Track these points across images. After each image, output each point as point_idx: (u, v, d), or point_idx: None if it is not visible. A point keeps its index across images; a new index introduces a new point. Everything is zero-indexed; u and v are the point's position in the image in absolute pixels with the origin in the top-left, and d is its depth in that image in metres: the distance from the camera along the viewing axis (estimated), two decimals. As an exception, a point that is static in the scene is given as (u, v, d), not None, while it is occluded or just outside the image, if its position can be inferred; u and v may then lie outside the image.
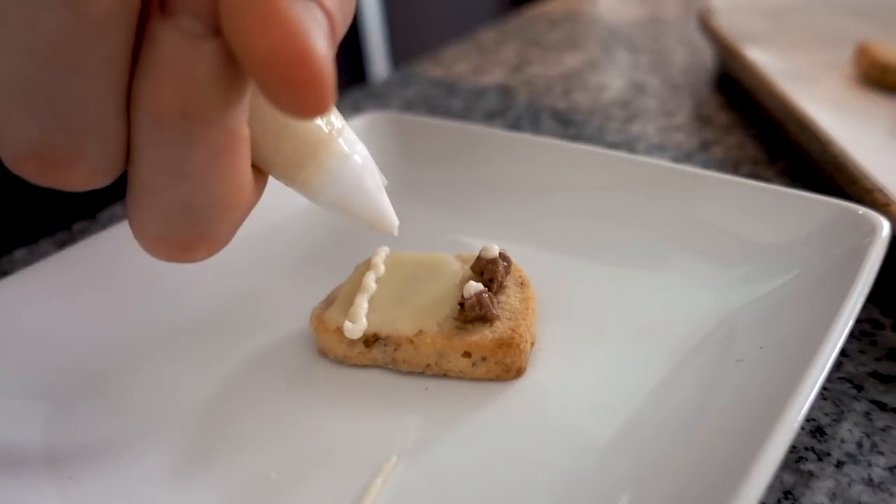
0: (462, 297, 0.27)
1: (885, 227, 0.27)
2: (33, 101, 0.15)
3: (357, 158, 0.21)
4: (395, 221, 0.23)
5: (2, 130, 0.16)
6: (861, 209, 0.28)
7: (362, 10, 1.82)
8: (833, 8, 0.58)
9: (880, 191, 0.30)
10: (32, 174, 0.16)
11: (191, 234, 0.18)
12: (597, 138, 0.48)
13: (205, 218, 0.18)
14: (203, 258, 0.19)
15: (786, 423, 0.19)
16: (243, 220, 0.19)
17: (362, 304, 0.27)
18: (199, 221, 0.18)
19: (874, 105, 0.47)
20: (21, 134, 0.16)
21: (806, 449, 0.24)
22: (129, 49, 0.15)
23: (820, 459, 0.24)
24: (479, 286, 0.27)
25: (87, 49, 0.15)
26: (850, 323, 0.23)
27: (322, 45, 0.14)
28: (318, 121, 0.20)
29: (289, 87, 0.14)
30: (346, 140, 0.21)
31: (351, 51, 1.84)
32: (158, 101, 0.16)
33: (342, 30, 0.16)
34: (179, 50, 0.15)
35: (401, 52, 1.93)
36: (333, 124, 0.21)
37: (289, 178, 0.21)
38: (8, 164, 0.16)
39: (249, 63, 0.14)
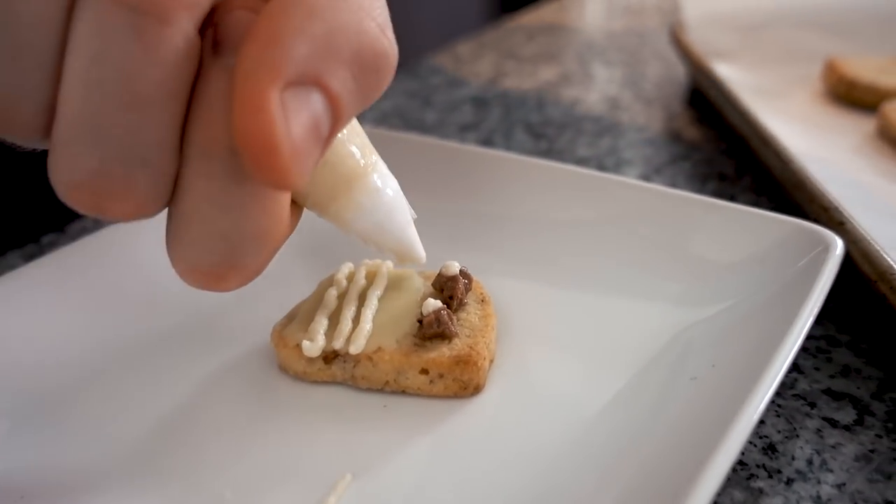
0: (421, 314, 0.27)
1: (839, 245, 0.27)
2: (96, 132, 0.16)
3: (389, 192, 0.22)
4: (422, 253, 0.23)
5: (60, 159, 0.16)
6: (815, 227, 0.28)
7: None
8: (804, 24, 0.59)
9: (836, 209, 0.30)
10: (84, 203, 0.17)
11: (226, 265, 0.18)
12: (568, 152, 0.48)
13: (242, 249, 0.18)
14: (235, 288, 0.19)
15: (729, 441, 0.20)
16: (276, 251, 0.20)
17: (322, 322, 0.27)
18: (236, 253, 0.18)
19: (841, 121, 0.47)
20: (79, 163, 0.16)
21: (757, 466, 0.24)
22: (189, 85, 0.16)
23: (770, 477, 0.24)
24: (438, 303, 0.27)
25: (153, 84, 0.16)
26: (799, 341, 0.23)
27: (296, 135, 0.15)
28: (354, 155, 0.21)
29: (256, 166, 0.15)
30: (380, 174, 0.21)
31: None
32: (208, 136, 0.17)
33: (358, 105, 0.17)
34: (228, 87, 0.16)
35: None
36: (369, 158, 0.21)
37: (321, 209, 0.21)
38: (60, 191, 0.17)
39: (234, 135, 0.15)
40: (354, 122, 0.22)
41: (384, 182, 0.22)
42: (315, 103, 0.16)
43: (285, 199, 0.19)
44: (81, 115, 0.16)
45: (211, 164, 0.17)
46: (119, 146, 0.16)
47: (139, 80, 0.15)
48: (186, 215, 0.18)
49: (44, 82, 0.16)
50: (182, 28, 0.15)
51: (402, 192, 0.23)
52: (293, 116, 0.15)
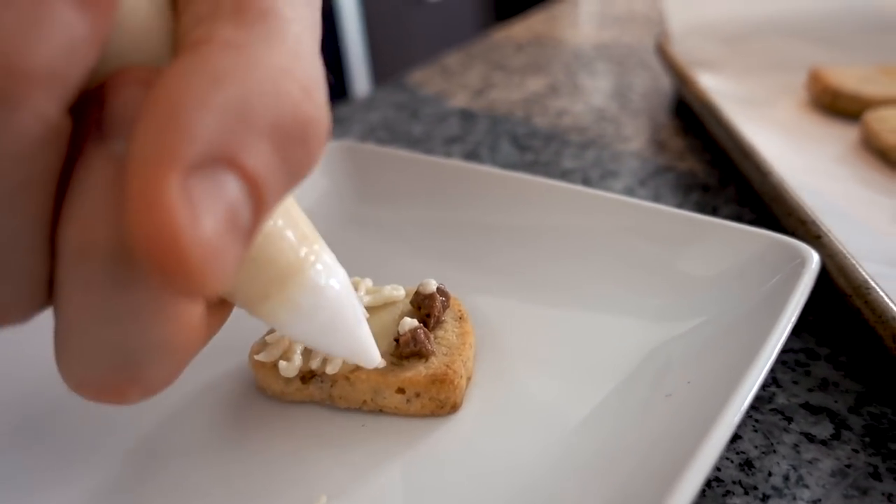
0: (398, 333, 0.27)
1: (815, 259, 0.27)
2: None
3: (333, 287, 0.18)
4: (377, 358, 0.21)
5: None
6: (791, 241, 0.28)
7: (343, 28, 1.83)
8: (789, 33, 0.60)
9: (813, 222, 0.30)
10: None
11: (123, 380, 0.15)
12: (553, 164, 0.48)
13: (141, 362, 0.15)
14: (137, 401, 0.16)
15: (700, 457, 0.20)
16: (190, 359, 0.17)
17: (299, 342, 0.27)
18: (132, 366, 0.15)
19: (825, 130, 0.47)
20: None
21: (734, 482, 0.24)
22: (55, 176, 0.14)
23: (746, 493, 0.24)
24: (415, 322, 0.27)
25: (9, 174, 0.13)
26: (773, 357, 0.23)
27: (208, 231, 0.12)
28: (290, 245, 0.17)
29: (161, 274, 0.12)
30: (324, 265, 0.18)
31: (334, 69, 1.86)
32: (84, 238, 0.14)
33: (285, 185, 0.14)
34: (112, 179, 0.13)
35: (381, 70, 1.94)
36: (310, 247, 0.18)
37: (251, 309, 0.18)
38: None
39: (132, 239, 0.12)
40: (291, 204, 0.18)
41: (328, 276, 0.18)
42: (230, 188, 0.13)
43: (190, 302, 0.15)
44: None
45: (88, 270, 0.14)
46: None
47: None
48: (67, 324, 0.15)
49: None
50: (38, 110, 0.12)
51: (350, 286, 0.20)
52: (202, 208, 0.12)
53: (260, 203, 0.14)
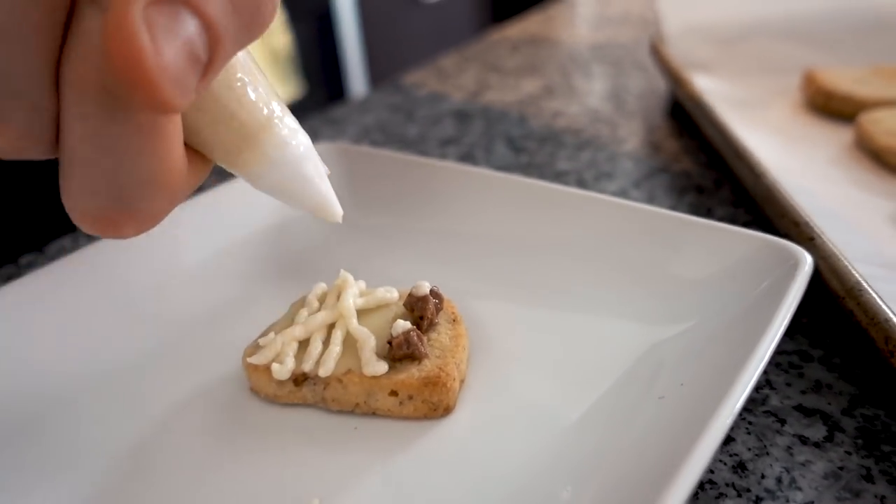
0: (391, 335, 0.27)
1: (808, 261, 0.27)
2: None
3: (298, 146, 0.21)
4: (339, 210, 0.23)
5: None
6: (784, 243, 0.28)
7: (340, 30, 1.83)
8: (783, 35, 0.60)
9: (806, 224, 0.30)
10: None
11: (118, 210, 0.18)
12: (547, 166, 0.48)
13: (132, 195, 0.18)
14: (132, 235, 0.19)
15: (692, 460, 0.20)
16: (177, 201, 0.19)
17: (292, 344, 0.27)
18: (125, 197, 0.18)
19: (818, 132, 0.48)
20: None
21: (727, 485, 0.24)
22: (61, 20, 0.16)
23: (739, 495, 0.24)
24: (408, 325, 0.27)
25: (18, 14, 0.15)
26: (766, 359, 0.23)
27: (166, 52, 0.15)
28: (260, 105, 0.20)
29: (126, 85, 0.15)
30: (288, 127, 0.21)
31: (330, 71, 1.86)
32: (80, 74, 0.16)
33: (239, 33, 0.17)
34: (98, 25, 0.16)
35: (377, 72, 1.94)
36: (275, 111, 0.21)
37: (227, 163, 0.21)
38: None
39: (105, 59, 0.15)
40: (258, 72, 0.21)
41: (293, 135, 0.21)
42: (187, 25, 0.15)
43: (172, 142, 0.18)
44: None
45: (84, 103, 0.16)
46: None
47: (3, 10, 0.15)
48: (70, 157, 0.17)
49: None
50: None
51: (312, 147, 0.22)
52: (161, 33, 0.15)
53: (216, 43, 0.16)
